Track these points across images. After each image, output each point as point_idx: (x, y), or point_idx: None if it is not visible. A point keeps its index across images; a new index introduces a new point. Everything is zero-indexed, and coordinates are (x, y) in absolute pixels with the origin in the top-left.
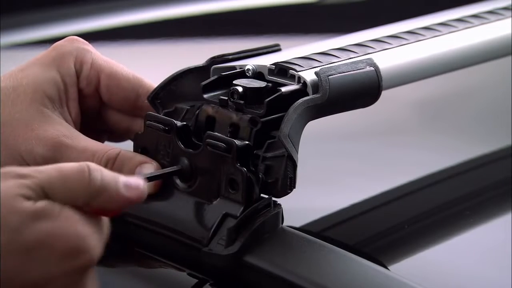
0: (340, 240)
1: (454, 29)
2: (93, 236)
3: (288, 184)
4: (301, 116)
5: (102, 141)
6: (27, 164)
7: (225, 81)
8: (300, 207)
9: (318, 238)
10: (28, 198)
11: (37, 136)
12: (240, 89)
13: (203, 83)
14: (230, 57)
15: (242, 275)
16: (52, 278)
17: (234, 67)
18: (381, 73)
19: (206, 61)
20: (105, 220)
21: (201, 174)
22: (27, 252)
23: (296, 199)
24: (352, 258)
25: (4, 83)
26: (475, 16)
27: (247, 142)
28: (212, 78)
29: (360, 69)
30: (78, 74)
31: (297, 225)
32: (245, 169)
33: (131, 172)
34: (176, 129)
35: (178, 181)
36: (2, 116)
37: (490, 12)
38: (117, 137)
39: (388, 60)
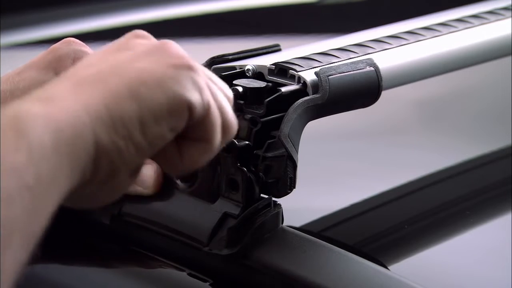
0: (340, 240)
1: (454, 29)
2: None
3: (288, 184)
4: (301, 116)
5: None
6: None
7: (225, 81)
8: (300, 207)
9: (318, 238)
10: None
11: None
12: (240, 89)
13: None
14: (230, 57)
15: (242, 275)
16: None
17: (234, 67)
18: (381, 73)
19: (206, 61)
20: None
21: (201, 174)
22: None
23: (296, 199)
24: (352, 258)
25: (1, 87)
26: (475, 16)
27: (247, 142)
28: None
29: (360, 69)
30: None
31: (297, 225)
32: (245, 169)
33: None
34: None
35: (178, 181)
36: None
37: (490, 12)
38: None
39: (388, 60)
